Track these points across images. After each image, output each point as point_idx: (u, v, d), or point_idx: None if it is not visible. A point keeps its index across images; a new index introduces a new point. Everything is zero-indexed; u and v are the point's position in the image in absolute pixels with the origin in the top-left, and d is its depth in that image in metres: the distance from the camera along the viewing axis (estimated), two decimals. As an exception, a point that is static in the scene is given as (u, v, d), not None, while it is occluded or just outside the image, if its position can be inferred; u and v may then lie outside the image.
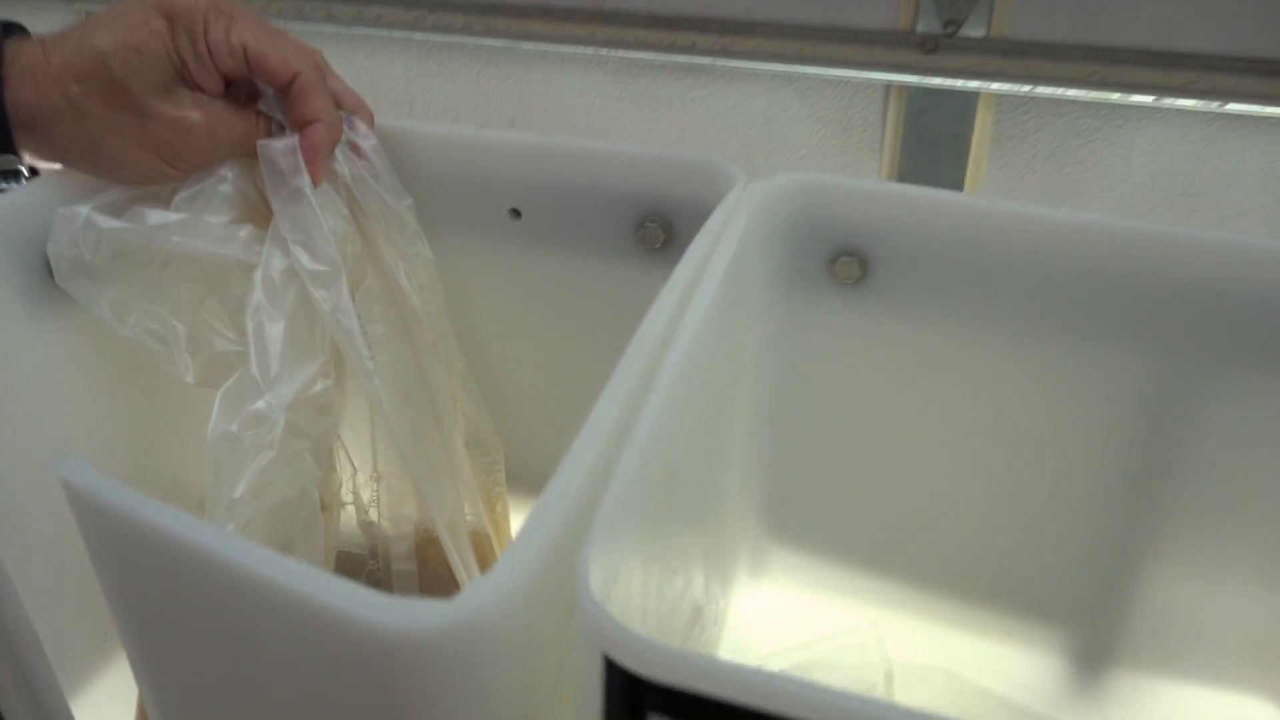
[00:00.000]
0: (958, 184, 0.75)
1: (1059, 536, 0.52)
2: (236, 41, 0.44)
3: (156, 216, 0.46)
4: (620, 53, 0.76)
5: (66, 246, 0.45)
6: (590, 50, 0.77)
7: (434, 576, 0.56)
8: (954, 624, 0.57)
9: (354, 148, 0.50)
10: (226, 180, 0.47)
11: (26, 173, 0.48)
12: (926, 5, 0.68)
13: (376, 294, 0.51)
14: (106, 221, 0.45)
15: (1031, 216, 0.44)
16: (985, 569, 0.55)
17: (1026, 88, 0.68)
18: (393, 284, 0.51)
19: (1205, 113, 0.67)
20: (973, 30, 0.68)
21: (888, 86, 0.73)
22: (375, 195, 0.51)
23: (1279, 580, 0.49)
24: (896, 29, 0.69)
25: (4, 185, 0.48)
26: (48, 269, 0.47)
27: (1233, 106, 0.64)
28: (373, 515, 0.56)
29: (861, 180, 0.46)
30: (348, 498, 0.56)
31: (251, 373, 0.46)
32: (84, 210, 0.45)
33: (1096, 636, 0.54)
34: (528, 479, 0.62)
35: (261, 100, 0.47)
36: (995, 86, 0.69)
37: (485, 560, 0.55)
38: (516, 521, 0.60)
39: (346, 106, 0.50)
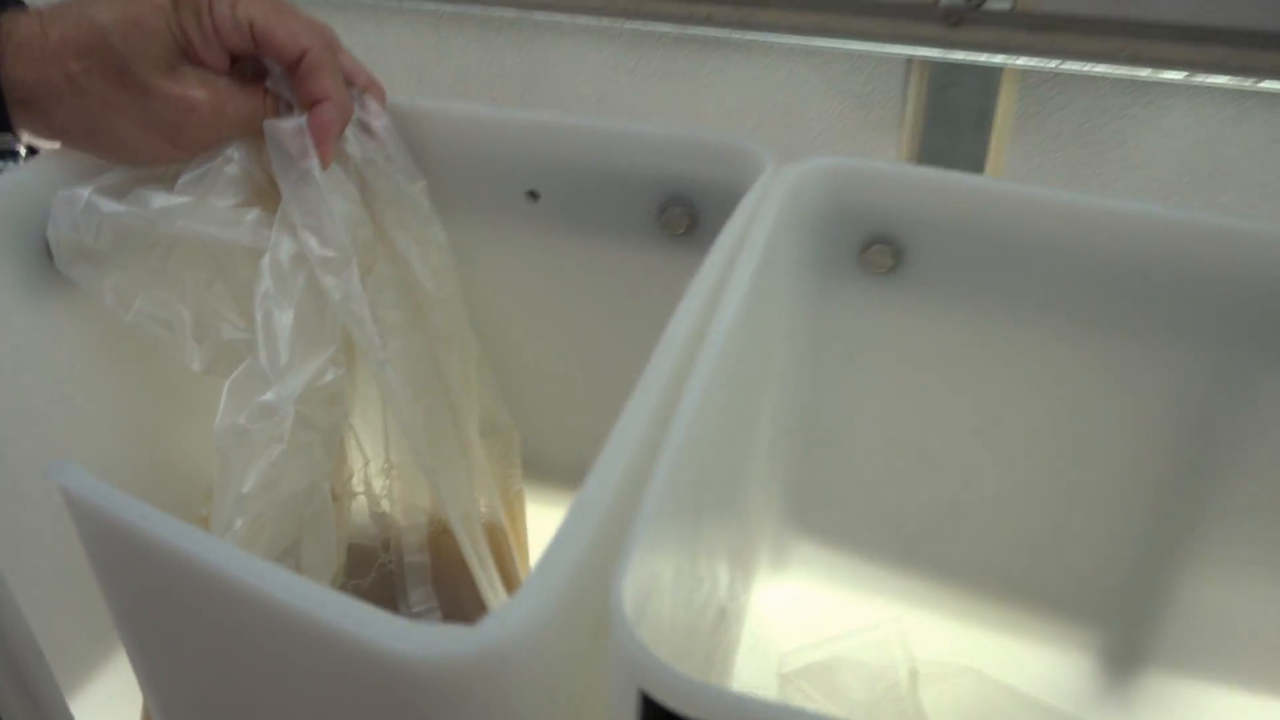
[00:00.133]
0: (980, 162, 0.73)
1: (1091, 535, 0.51)
2: (243, 16, 0.42)
3: (160, 199, 0.44)
4: (635, 24, 0.74)
5: (67, 230, 0.44)
6: (604, 21, 0.74)
7: (447, 569, 0.55)
8: (980, 622, 0.55)
9: (365, 128, 0.48)
10: (233, 161, 0.45)
11: (24, 152, 0.46)
12: (951, -23, 0.66)
13: (388, 280, 0.49)
14: (108, 205, 0.43)
15: (1076, 206, 0.42)
16: (1014, 567, 0.53)
17: (1053, 63, 0.66)
18: (405, 269, 0.50)
19: (1237, 90, 0.65)
20: (998, 3, 0.66)
21: (909, 61, 0.71)
22: (387, 177, 0.49)
23: (1316, 582, 0.48)
24: (919, 1, 0.67)
25: (1, 165, 0.46)
26: (47, 253, 0.45)
27: (1266, 84, 0.62)
28: (385, 506, 0.55)
29: (896, 165, 0.45)
30: (359, 488, 0.54)
31: (260, 363, 0.44)
32: (85, 193, 0.44)
33: (1126, 637, 0.53)
34: (544, 468, 0.61)
35: (269, 78, 0.46)
36: (1021, 61, 0.67)
37: (500, 552, 0.54)
38: (532, 511, 0.59)
39: (357, 84, 0.49)
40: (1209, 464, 0.48)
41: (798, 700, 0.54)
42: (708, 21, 0.72)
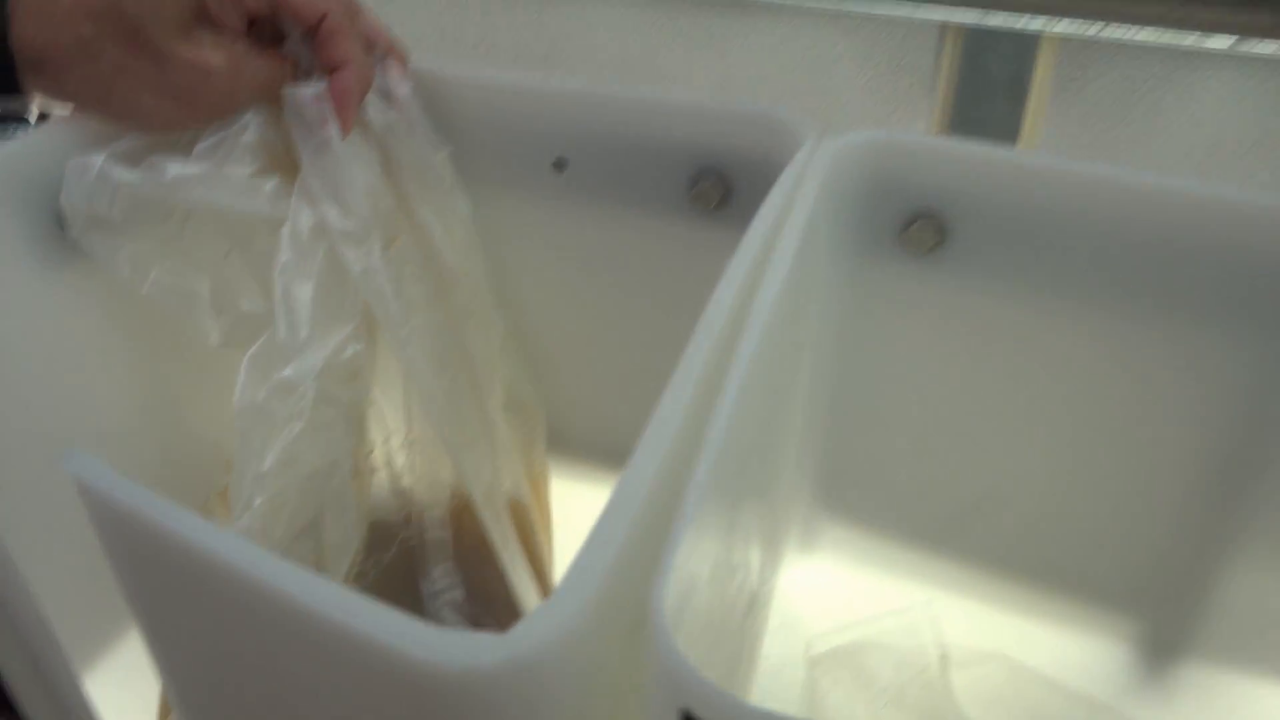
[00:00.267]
0: (1013, 131, 0.71)
1: (1133, 523, 0.49)
2: (260, -24, 0.41)
3: (175, 168, 0.42)
4: (659, -14, 0.71)
5: (80, 199, 0.42)
6: (628, -17, 0.72)
7: (469, 545, 0.54)
8: (1013, 608, 0.54)
9: (386, 94, 0.47)
10: (250, 129, 0.44)
11: (35, 116, 0.45)
12: (989, -64, 0.63)
13: (410, 253, 0.48)
14: (122, 174, 0.42)
15: (1130, 183, 0.41)
16: (1050, 553, 0.52)
17: (1095, 28, 0.64)
18: (427, 242, 0.48)
19: (1282, 60, 0.63)
20: (1038, -37, 0.63)
21: (943, 26, 0.69)
22: (409, 146, 0.47)
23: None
24: (955, -37, 0.65)
25: (12, 129, 0.45)
26: (60, 221, 0.44)
27: (1315, 53, 0.60)
28: (406, 481, 0.54)
29: (941, 139, 0.43)
30: (380, 463, 0.53)
31: (279, 337, 0.43)
32: (98, 161, 0.42)
33: (1164, 625, 0.52)
34: (569, 444, 0.60)
35: (287, 42, 0.44)
36: (1060, 26, 0.64)
37: (523, 530, 0.53)
38: (555, 488, 0.57)
39: (379, 49, 0.47)
40: (1255, 452, 0.46)
41: (825, 684, 0.53)
42: (734, -17, 0.70)
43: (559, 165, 0.50)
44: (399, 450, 0.54)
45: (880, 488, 0.55)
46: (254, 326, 0.45)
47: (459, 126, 0.51)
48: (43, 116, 0.44)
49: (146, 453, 0.51)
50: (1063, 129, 0.72)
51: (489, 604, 0.53)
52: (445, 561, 0.55)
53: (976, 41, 0.67)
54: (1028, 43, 0.66)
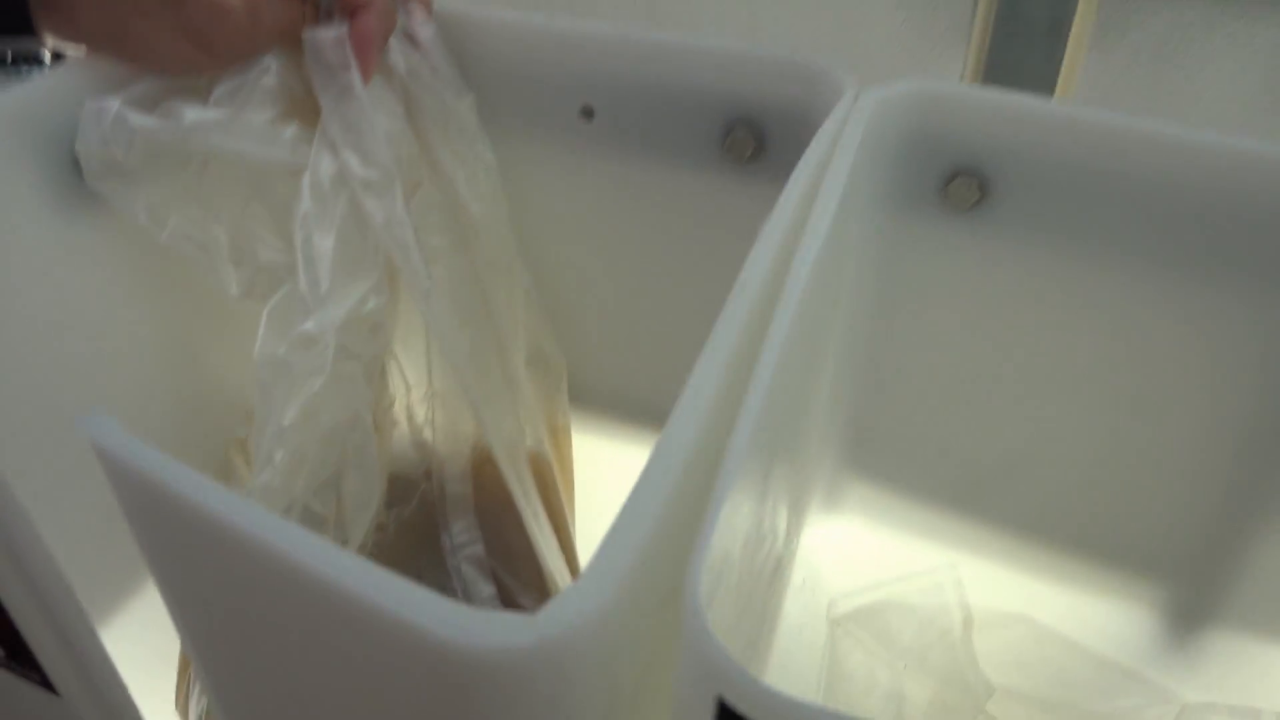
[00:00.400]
0: (1050, 79, 0.69)
1: (1163, 488, 0.48)
2: (279, -87, 0.39)
3: (193, 113, 0.41)
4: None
5: (96, 145, 0.41)
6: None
7: (490, 500, 0.53)
8: (1039, 572, 0.53)
9: (409, 37, 0.45)
10: (270, 72, 0.42)
11: (49, 58, 0.43)
12: None
13: (433, 202, 0.47)
14: (139, 119, 0.41)
15: (1182, 139, 0.39)
16: (1079, 518, 0.51)
17: (1141, -31, 0.61)
18: (451, 191, 0.47)
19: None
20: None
21: (985, -35, 0.66)
22: (433, 91, 0.46)
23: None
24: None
25: (26, 70, 0.44)
26: (76, 167, 0.42)
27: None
28: (427, 434, 0.53)
29: (986, 89, 0.41)
30: (400, 417, 0.53)
31: (300, 289, 0.42)
32: (114, 105, 0.41)
33: (1191, 592, 0.51)
34: (592, 399, 0.59)
35: (307, -19, 0.42)
36: (1105, -36, 0.62)
37: (544, 485, 0.52)
38: (577, 442, 0.57)
39: (402, -11, 0.45)
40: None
41: (846, 644, 0.52)
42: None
43: (587, 113, 0.48)
44: (420, 403, 0.53)
45: (908, 449, 0.54)
46: (274, 277, 0.44)
47: (484, 71, 0.49)
48: (57, 58, 0.42)
49: (165, 401, 0.50)
50: (1103, 76, 0.69)
51: (509, 559, 0.53)
52: (466, 516, 0.54)
53: (1017, -20, 0.65)
54: (1069, -18, 0.64)
